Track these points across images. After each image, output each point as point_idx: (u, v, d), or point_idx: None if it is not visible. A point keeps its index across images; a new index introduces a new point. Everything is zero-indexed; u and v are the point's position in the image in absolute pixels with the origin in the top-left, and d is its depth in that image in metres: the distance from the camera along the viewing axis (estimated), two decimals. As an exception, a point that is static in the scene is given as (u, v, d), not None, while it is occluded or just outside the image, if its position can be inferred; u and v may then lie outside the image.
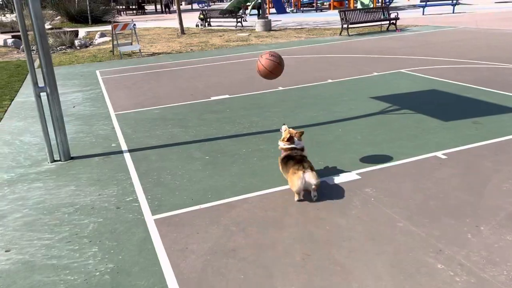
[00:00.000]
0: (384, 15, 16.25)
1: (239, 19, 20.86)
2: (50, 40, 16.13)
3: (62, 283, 2.85)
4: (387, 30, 16.14)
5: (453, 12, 22.29)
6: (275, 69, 4.22)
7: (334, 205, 3.65)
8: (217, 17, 21.95)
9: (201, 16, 21.76)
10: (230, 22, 21.70)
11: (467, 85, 7.37)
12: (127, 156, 5.07)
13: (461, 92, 6.92)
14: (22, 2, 4.88)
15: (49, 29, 20.57)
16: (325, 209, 3.60)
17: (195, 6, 41.93)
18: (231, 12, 21.71)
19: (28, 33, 4.71)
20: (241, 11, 24.66)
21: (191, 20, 23.84)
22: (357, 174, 4.22)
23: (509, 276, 2.67)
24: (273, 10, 29.06)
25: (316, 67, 9.76)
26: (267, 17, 19.39)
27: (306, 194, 3.75)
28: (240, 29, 19.64)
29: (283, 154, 4.00)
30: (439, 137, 5.04)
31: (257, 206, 3.71)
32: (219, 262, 2.97)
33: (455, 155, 4.52)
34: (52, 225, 3.61)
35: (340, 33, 15.66)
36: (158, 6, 39.18)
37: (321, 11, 29.35)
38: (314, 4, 31.44)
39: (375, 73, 8.74)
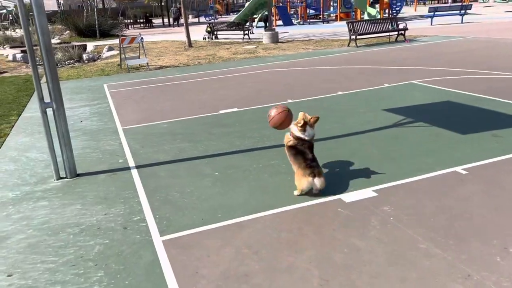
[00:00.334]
0: (392, 25, 16.12)
1: (246, 32, 20.87)
2: (59, 55, 16.19)
3: (65, 312, 2.69)
4: (396, 40, 16.01)
5: (462, 22, 22.13)
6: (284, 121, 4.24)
7: (351, 225, 3.47)
8: (224, 30, 21.98)
9: (208, 29, 21.80)
10: (237, 35, 21.71)
11: (482, 96, 7.17)
12: (134, 172, 4.93)
13: (477, 104, 6.72)
14: (29, 17, 4.80)
15: (57, 43, 20.71)
16: (341, 229, 3.41)
17: (202, 19, 42.21)
18: (238, 25, 21.73)
19: (35, 47, 4.63)
20: (247, 23, 24.70)
21: (198, 33, 23.91)
22: (373, 191, 4.03)
23: (547, 305, 2.46)
24: (279, 22, 29.09)
25: (326, 79, 9.62)
26: (274, 29, 19.37)
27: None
28: (247, 42, 19.63)
29: (290, 142, 4.08)
30: (458, 151, 4.85)
31: (270, 226, 3.53)
32: (232, 289, 2.79)
33: (477, 170, 4.32)
34: (56, 247, 3.46)
35: (348, 44, 15.55)
36: (166, 20, 39.46)
37: (328, 23, 29.33)
38: (321, 16, 31.45)
39: (386, 85, 8.58)
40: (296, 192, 4.01)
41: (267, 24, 19.77)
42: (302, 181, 3.88)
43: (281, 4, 31.59)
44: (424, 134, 5.55)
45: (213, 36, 21.64)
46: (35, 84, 4.56)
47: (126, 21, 37.46)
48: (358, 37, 15.39)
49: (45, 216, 4.00)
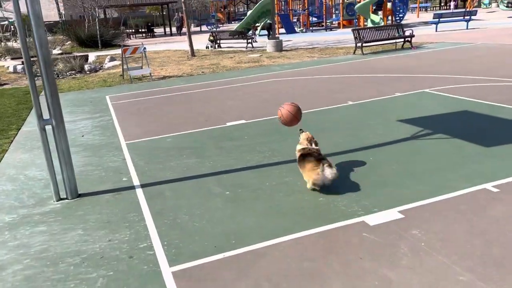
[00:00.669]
0: (398, 32, 15.87)
1: (249, 40, 20.67)
2: (60, 65, 15.97)
3: None
4: (402, 48, 15.75)
5: (467, 28, 21.90)
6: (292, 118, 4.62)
7: (378, 252, 3.15)
8: (227, 39, 21.78)
9: (211, 38, 21.60)
10: (240, 43, 21.51)
11: (501, 105, 6.87)
12: (139, 192, 4.63)
13: (497, 114, 6.42)
14: (26, 29, 4.54)
15: (59, 54, 20.53)
16: (369, 257, 3.10)
17: (204, 28, 42.13)
18: (240, 33, 21.53)
19: (34, 59, 4.37)
20: (250, 32, 24.50)
21: (201, 42, 23.73)
22: (399, 212, 3.72)
23: None
24: (282, 30, 28.92)
25: (334, 88, 9.34)
26: (278, 37, 19.15)
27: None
28: (251, 50, 19.41)
29: (299, 152, 4.43)
30: (485, 166, 4.53)
31: (290, 254, 3.22)
32: (252, 331, 2.48)
33: (509, 188, 4.00)
34: (55, 280, 3.15)
35: (354, 52, 15.30)
36: (167, 29, 39.38)
37: (331, 30, 29.15)
38: (323, 24, 31.28)
39: (398, 94, 8.29)
40: (308, 185, 4.18)
41: (271, 32, 19.52)
42: (313, 173, 4.02)
43: (283, 12, 31.43)
44: (444, 146, 5.24)
45: (216, 45, 21.44)
46: (33, 100, 4.28)
47: (127, 30, 37.36)
48: (364, 44, 15.15)
49: (44, 243, 3.69)
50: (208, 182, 4.75)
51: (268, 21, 24.30)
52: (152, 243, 3.56)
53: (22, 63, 17.81)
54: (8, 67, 17.65)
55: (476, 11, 23.06)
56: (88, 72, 15.80)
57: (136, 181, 4.93)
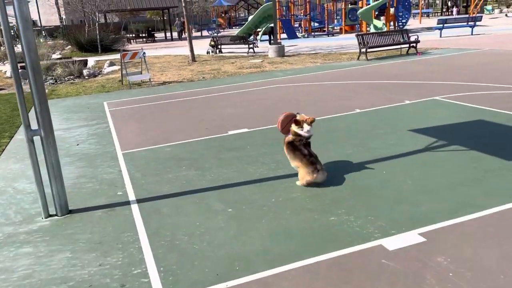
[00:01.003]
0: (403, 38, 15.57)
1: (250, 45, 20.38)
2: (59, 70, 15.68)
3: None
4: (407, 53, 15.45)
5: (472, 34, 21.62)
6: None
7: (402, 283, 2.80)
8: (228, 44, 21.50)
9: (212, 43, 21.33)
10: (241, 48, 21.22)
11: (517, 114, 6.54)
12: (134, 208, 4.29)
13: (513, 123, 6.09)
14: (15, 31, 4.22)
15: (58, 58, 20.25)
16: (391, 289, 2.75)
17: (205, 33, 41.94)
18: (242, 38, 21.25)
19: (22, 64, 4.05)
20: (251, 37, 24.23)
21: (202, 47, 23.45)
22: (419, 234, 3.37)
23: None
24: (283, 35, 28.65)
25: (339, 95, 9.01)
26: (280, 42, 18.86)
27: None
28: (252, 55, 19.12)
29: (289, 137, 4.51)
30: (508, 181, 4.19)
31: (302, 284, 2.87)
32: None
33: (539, 208, 3.66)
34: (37, 313, 2.80)
35: (358, 58, 14.99)
36: (168, 34, 39.15)
37: (333, 36, 28.90)
38: (325, 29, 31.04)
39: (407, 101, 7.96)
40: (298, 183, 4.46)
41: (272, 37, 19.23)
42: (306, 177, 4.35)
43: (285, 18, 31.19)
44: (461, 159, 4.90)
45: (217, 50, 21.16)
46: (20, 108, 3.96)
47: (128, 35, 37.15)
48: (368, 50, 14.84)
49: (28, 267, 3.35)
50: (208, 197, 4.41)
51: (270, 26, 24.03)
52: (147, 268, 3.21)
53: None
54: (6, 71, 17.37)
55: (481, 16, 22.80)
56: (86, 77, 15.50)
57: (131, 196, 4.58)
